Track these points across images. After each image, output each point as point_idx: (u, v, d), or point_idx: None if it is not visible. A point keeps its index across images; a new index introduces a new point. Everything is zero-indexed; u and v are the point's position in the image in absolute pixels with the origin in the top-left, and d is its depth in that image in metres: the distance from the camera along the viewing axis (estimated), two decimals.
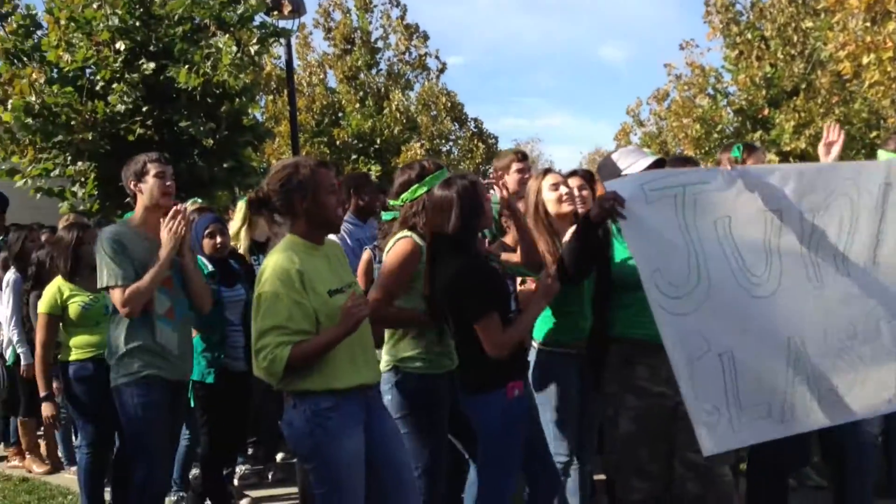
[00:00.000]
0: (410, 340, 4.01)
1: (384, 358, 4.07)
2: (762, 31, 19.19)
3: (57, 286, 5.36)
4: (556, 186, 4.43)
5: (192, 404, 5.12)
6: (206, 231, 5.25)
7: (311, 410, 3.39)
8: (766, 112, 18.68)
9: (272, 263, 3.38)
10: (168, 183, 4.53)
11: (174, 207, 4.47)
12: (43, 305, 5.36)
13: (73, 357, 5.27)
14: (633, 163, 3.81)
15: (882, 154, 4.84)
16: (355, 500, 3.46)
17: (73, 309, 5.31)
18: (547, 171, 4.57)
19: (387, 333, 4.09)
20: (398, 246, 3.99)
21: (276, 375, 3.30)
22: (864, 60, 11.82)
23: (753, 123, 18.99)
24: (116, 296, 4.27)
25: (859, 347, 3.78)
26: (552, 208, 4.41)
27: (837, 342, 3.75)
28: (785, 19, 18.66)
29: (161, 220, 4.43)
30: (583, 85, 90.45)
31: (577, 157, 57.82)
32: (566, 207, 4.43)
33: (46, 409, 5.50)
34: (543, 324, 4.30)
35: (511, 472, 3.82)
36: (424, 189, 4.07)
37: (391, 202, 4.28)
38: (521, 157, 5.55)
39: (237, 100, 10.44)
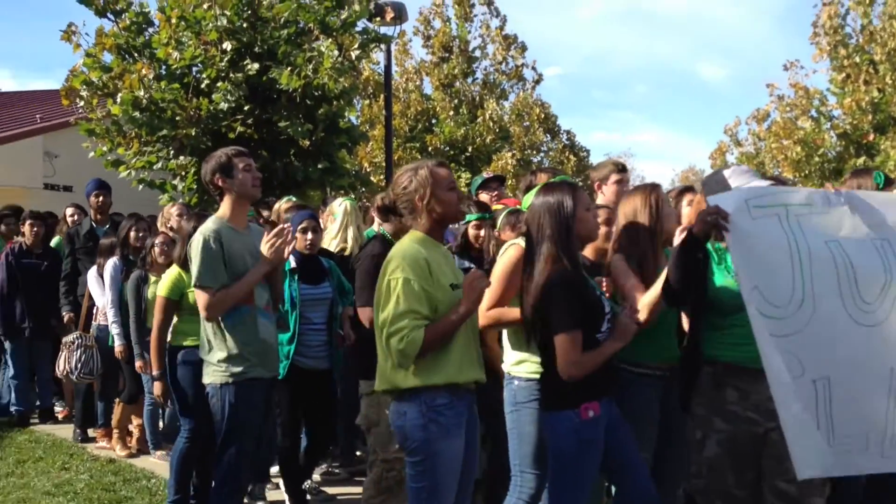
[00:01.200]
0: None
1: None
2: (871, 54, 18.59)
3: (178, 272, 5.48)
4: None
5: None
6: (301, 226, 5.35)
7: (427, 405, 3.50)
8: (871, 137, 18.09)
9: (399, 252, 3.56)
10: (258, 175, 4.58)
11: (281, 227, 4.50)
12: (164, 289, 5.51)
13: (185, 343, 5.41)
14: (745, 183, 3.73)
15: None
16: (449, 499, 3.56)
17: (192, 296, 5.45)
18: (654, 186, 4.39)
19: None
20: (508, 252, 4.24)
21: (410, 357, 3.43)
22: None
23: (857, 149, 18.42)
24: (202, 298, 4.34)
25: None
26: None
27: None
28: None
29: (259, 225, 4.50)
30: (679, 101, 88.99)
31: (670, 173, 56.85)
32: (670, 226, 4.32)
33: (158, 389, 5.64)
34: None
35: (579, 496, 3.74)
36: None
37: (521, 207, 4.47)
38: (621, 168, 5.44)
39: (335, 102, 10.61)
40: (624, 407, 3.95)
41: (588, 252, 4.34)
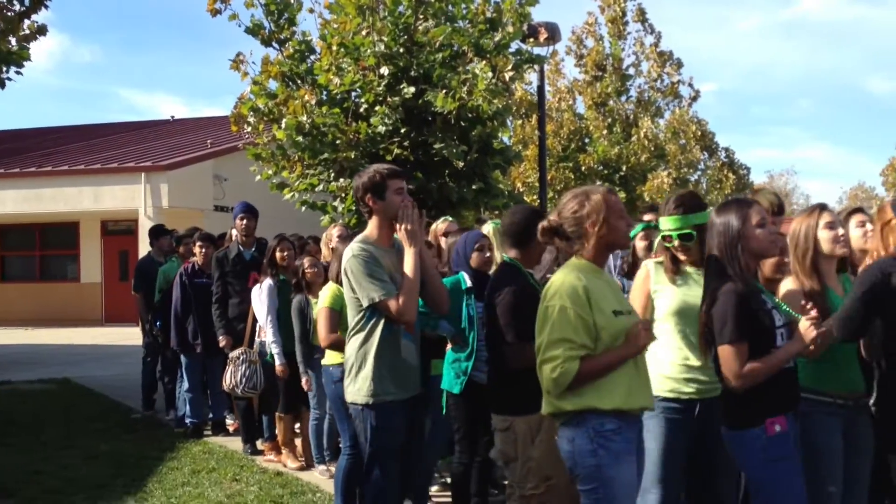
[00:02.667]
0: None
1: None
2: None
3: (335, 286, 5.67)
4: (831, 225, 4.11)
5: (444, 412, 5.38)
6: (476, 245, 5.46)
7: (595, 430, 3.45)
8: None
9: (559, 280, 3.54)
10: (409, 199, 4.51)
11: (404, 204, 4.43)
12: (326, 300, 5.76)
13: (341, 360, 5.46)
14: None
15: None
16: None
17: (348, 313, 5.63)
18: (822, 207, 4.25)
19: None
20: (639, 273, 4.35)
21: (562, 387, 3.41)
22: None
23: None
24: (392, 306, 4.28)
25: None
26: (826, 248, 4.12)
27: None
28: None
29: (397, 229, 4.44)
30: (845, 116, 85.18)
31: (837, 191, 54.41)
32: (839, 250, 4.12)
33: None
34: (803, 367, 4.04)
35: None
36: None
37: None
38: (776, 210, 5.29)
39: (489, 124, 10.71)
40: (804, 437, 3.79)
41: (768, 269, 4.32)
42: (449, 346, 5.41)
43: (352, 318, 4.52)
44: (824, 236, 4.10)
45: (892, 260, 3.67)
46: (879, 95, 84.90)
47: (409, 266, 4.38)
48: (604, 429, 3.44)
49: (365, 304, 4.37)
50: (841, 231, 4.14)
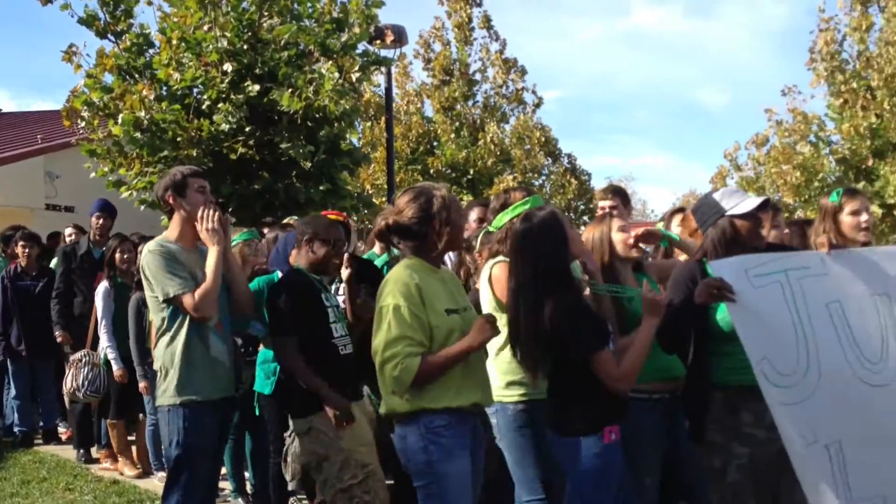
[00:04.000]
0: None
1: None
2: (869, 80, 18.64)
3: None
4: (623, 229, 4.36)
5: (258, 413, 5.39)
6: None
7: (426, 427, 3.47)
8: (870, 163, 18.13)
9: (392, 279, 3.54)
10: (211, 199, 4.45)
11: (203, 205, 4.36)
12: None
13: None
14: (738, 203, 3.74)
15: None
16: None
17: None
18: (612, 214, 4.60)
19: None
20: (499, 270, 4.20)
21: (405, 385, 3.40)
22: None
23: (857, 174, 18.44)
24: (187, 301, 4.18)
25: None
26: (620, 250, 4.35)
27: None
28: (893, 70, 18.07)
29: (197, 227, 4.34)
30: (680, 126, 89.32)
31: (671, 197, 57.06)
32: (634, 253, 4.38)
33: None
34: None
35: None
36: (509, 217, 4.19)
37: (490, 228, 4.46)
38: (612, 192, 5.58)
39: (336, 124, 10.66)
40: (623, 431, 3.94)
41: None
42: (261, 347, 5.35)
43: (156, 319, 4.35)
44: (617, 239, 4.34)
45: (696, 263, 3.84)
46: (712, 107, 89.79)
47: (209, 264, 4.27)
48: (434, 425, 3.47)
49: (161, 298, 4.22)
50: (632, 235, 4.37)
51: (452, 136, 22.70)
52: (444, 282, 3.71)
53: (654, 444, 4.20)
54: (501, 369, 4.26)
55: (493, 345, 3.97)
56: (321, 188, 10.60)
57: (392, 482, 5.06)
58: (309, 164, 10.19)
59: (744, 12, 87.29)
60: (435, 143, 22.90)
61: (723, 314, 3.67)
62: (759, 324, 3.45)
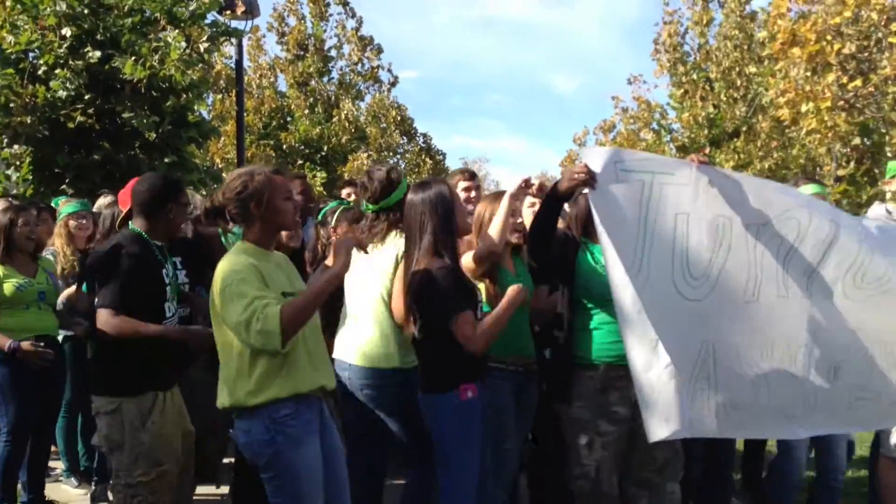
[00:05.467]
0: None
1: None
2: (707, 72, 19.62)
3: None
4: (512, 214, 4.38)
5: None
6: None
7: (271, 418, 3.39)
8: (707, 151, 19.07)
9: (225, 266, 3.40)
10: None
11: None
12: None
13: None
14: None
15: (804, 189, 4.98)
16: None
17: (7, 288, 5.23)
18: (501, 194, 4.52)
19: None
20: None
21: (275, 333, 3.20)
22: (803, 108, 12.16)
23: None
24: None
25: (770, 370, 3.76)
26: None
27: (749, 360, 3.74)
28: (730, 63, 19.09)
29: None
30: (534, 110, 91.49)
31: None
32: (514, 239, 4.44)
33: None
34: None
35: (468, 473, 3.82)
36: (401, 194, 4.29)
37: (370, 207, 4.45)
38: (469, 175, 5.63)
39: (184, 95, 10.33)
40: (485, 400, 4.07)
41: None
42: None
43: None
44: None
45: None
46: (563, 93, 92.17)
47: None
48: (279, 415, 3.39)
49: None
50: (520, 220, 4.47)
51: (306, 111, 22.46)
52: (280, 266, 3.65)
53: (510, 412, 4.31)
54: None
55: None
56: (166, 160, 10.26)
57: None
58: (153, 135, 9.84)
59: (597, 2, 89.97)
60: (288, 119, 22.57)
61: (589, 271, 3.81)
62: (610, 214, 3.56)
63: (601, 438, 3.80)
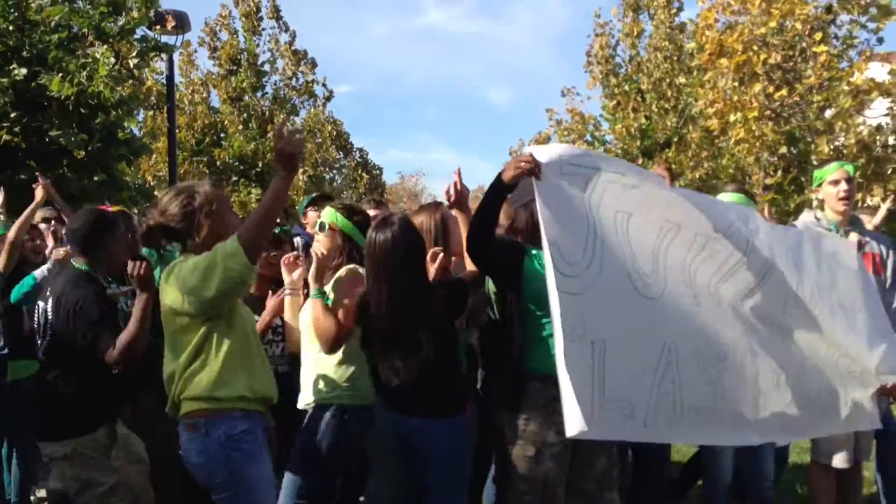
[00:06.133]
0: None
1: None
2: (639, 84, 19.93)
3: None
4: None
5: None
6: None
7: (227, 435, 3.36)
8: (639, 162, 19.36)
9: (182, 265, 3.39)
10: None
11: None
12: None
13: None
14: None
15: (725, 196, 5.04)
16: None
17: None
18: (438, 204, 4.53)
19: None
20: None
21: (237, 253, 3.20)
22: (731, 118, 12.41)
23: None
24: None
25: (724, 375, 3.76)
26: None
27: (706, 363, 3.73)
28: (660, 74, 19.43)
29: None
30: (469, 123, 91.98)
31: None
32: None
33: None
34: None
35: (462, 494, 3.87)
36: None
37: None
38: (376, 203, 5.77)
39: (113, 112, 10.15)
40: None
41: None
42: None
43: None
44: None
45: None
46: (497, 105, 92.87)
47: None
48: (235, 432, 3.38)
49: None
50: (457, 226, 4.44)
51: (240, 127, 22.21)
52: None
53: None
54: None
55: None
56: (95, 179, 10.08)
57: None
58: (82, 154, 9.69)
59: (530, 14, 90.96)
60: (222, 135, 22.32)
61: (536, 278, 3.70)
62: (556, 209, 3.50)
63: (549, 450, 3.76)
